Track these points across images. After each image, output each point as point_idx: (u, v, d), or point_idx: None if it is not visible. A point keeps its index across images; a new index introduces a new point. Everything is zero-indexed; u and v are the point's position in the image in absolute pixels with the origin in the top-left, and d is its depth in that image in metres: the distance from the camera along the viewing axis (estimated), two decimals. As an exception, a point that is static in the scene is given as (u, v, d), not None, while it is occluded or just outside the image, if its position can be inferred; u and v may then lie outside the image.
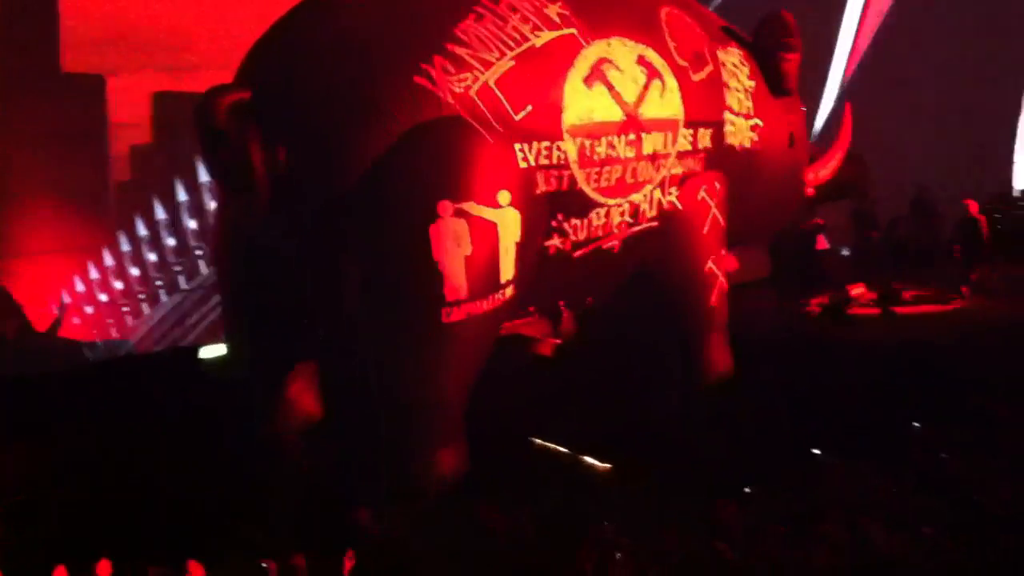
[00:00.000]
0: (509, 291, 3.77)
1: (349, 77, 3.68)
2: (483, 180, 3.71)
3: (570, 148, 3.90)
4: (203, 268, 33.92)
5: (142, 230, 37.83)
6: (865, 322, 7.62)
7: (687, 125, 4.26)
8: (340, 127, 3.59)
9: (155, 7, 49.39)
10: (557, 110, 3.90)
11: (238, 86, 3.78)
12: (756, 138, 4.61)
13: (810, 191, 5.40)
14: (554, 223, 3.95)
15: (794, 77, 4.85)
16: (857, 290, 8.19)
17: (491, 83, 3.75)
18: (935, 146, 21.64)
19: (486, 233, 3.67)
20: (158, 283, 36.92)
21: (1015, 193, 11.40)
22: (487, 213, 3.67)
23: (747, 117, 4.56)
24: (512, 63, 3.77)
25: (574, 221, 3.98)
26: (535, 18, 3.86)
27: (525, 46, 3.81)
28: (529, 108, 3.86)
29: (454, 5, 3.85)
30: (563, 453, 4.34)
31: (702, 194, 4.48)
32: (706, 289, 4.66)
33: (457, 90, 3.70)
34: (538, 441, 4.17)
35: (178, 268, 36.42)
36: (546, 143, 3.85)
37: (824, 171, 5.36)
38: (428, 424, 3.71)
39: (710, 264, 4.65)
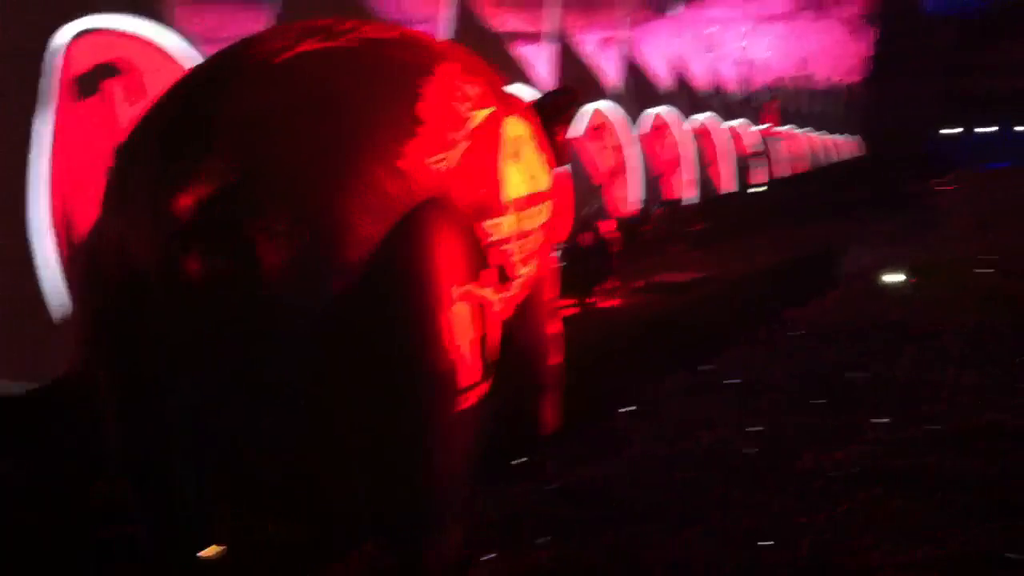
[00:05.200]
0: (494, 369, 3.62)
1: (341, 158, 3.35)
2: (475, 261, 3.60)
3: (510, 223, 3.86)
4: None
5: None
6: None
7: (547, 197, 4.39)
8: (343, 212, 3.29)
9: None
10: (499, 186, 3.83)
11: (191, 178, 3.24)
12: (554, 206, 4.69)
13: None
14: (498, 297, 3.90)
15: (569, 150, 4.83)
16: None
17: (458, 163, 3.59)
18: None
19: (486, 313, 3.61)
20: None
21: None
22: (483, 293, 3.59)
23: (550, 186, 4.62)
24: (467, 143, 3.66)
25: (503, 293, 3.94)
26: (467, 97, 3.76)
27: (470, 125, 3.71)
28: (484, 186, 3.75)
29: (399, 85, 3.60)
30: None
31: (550, 260, 4.64)
32: (551, 349, 4.80)
33: (434, 171, 3.51)
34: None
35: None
36: (496, 219, 3.79)
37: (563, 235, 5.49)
38: (443, 513, 3.62)
39: (554, 325, 4.79)
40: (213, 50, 7.27)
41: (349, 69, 3.65)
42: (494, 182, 3.86)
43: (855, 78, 26.15)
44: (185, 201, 3.18)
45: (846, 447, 5.35)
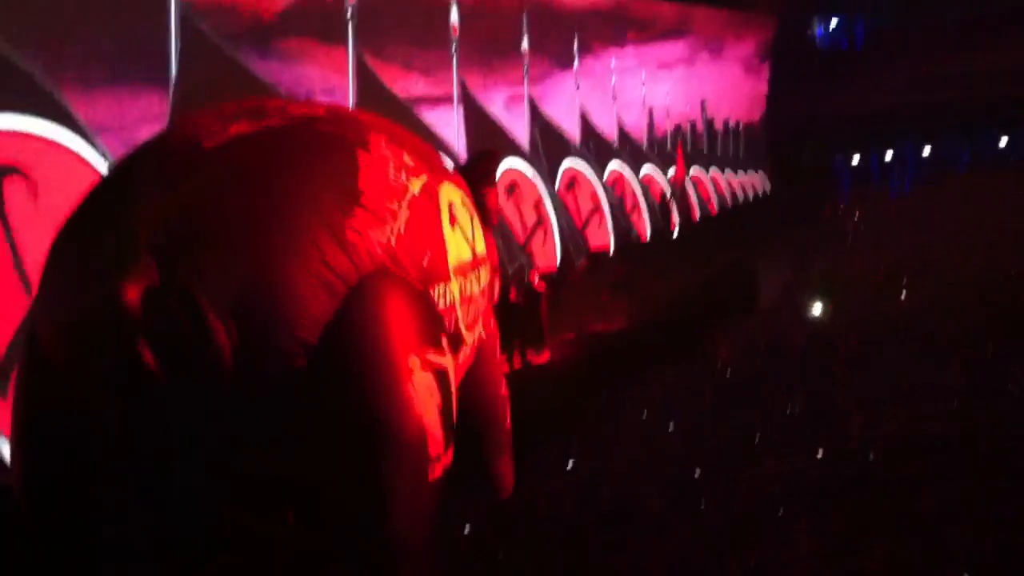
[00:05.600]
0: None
1: (291, 237, 3.32)
2: (431, 328, 3.54)
3: (455, 288, 3.79)
4: None
5: None
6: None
7: (485, 259, 4.34)
8: (298, 288, 3.26)
9: None
10: (444, 253, 3.77)
11: (137, 267, 3.16)
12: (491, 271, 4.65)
13: None
14: None
15: (497, 211, 4.85)
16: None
17: (402, 232, 3.55)
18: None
19: (446, 379, 3.50)
20: None
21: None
22: (442, 360, 3.50)
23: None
24: (408, 211, 3.61)
25: (457, 360, 3.89)
26: (402, 166, 3.71)
27: (409, 194, 3.65)
28: (429, 253, 3.69)
29: (338, 160, 3.59)
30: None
31: (493, 323, 4.53)
32: (505, 412, 4.68)
33: (382, 241, 3.47)
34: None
35: None
36: (442, 285, 3.70)
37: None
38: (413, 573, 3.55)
39: (504, 388, 4.69)
40: (113, 139, 7.07)
41: (285, 148, 3.61)
42: (439, 248, 3.81)
43: (755, 115, 26.77)
44: (134, 294, 3.10)
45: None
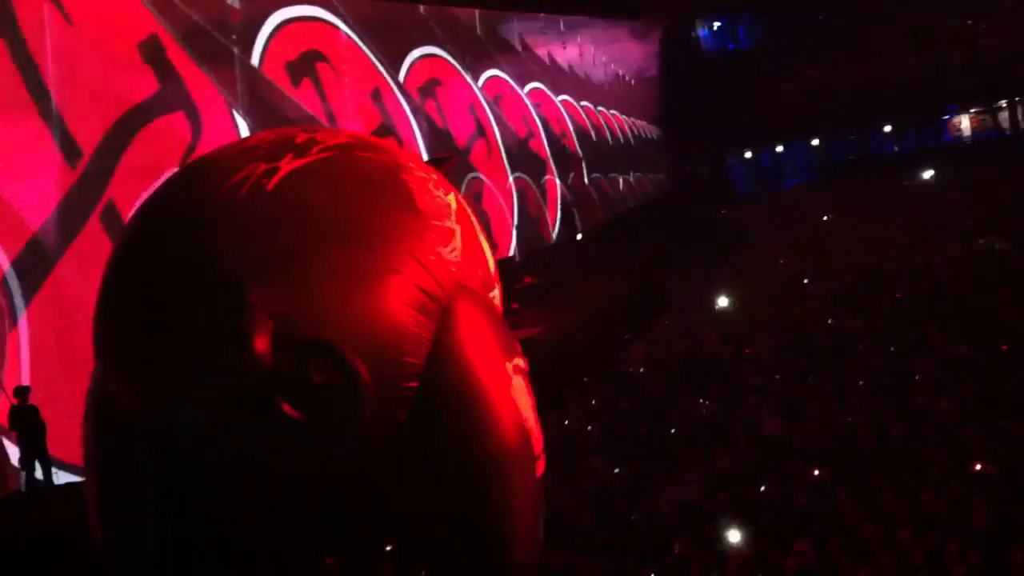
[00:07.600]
0: None
1: (375, 267, 3.31)
2: (509, 334, 3.68)
3: (496, 294, 3.90)
4: None
5: None
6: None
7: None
8: (399, 316, 3.27)
9: None
10: (486, 260, 3.83)
11: (252, 319, 3.05)
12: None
13: None
14: None
15: None
16: None
17: (461, 247, 3.61)
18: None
19: (529, 379, 3.61)
20: None
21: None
22: (522, 362, 3.59)
23: None
24: (458, 226, 3.66)
25: None
26: (437, 183, 3.72)
27: (453, 209, 3.69)
28: (480, 263, 3.79)
29: (391, 185, 3.57)
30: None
31: None
32: None
33: (454, 259, 3.51)
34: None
35: None
36: (494, 292, 3.82)
37: None
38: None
39: None
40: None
41: (346, 179, 3.57)
42: (483, 257, 3.93)
43: (649, 118, 27.14)
44: (263, 345, 3.03)
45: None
